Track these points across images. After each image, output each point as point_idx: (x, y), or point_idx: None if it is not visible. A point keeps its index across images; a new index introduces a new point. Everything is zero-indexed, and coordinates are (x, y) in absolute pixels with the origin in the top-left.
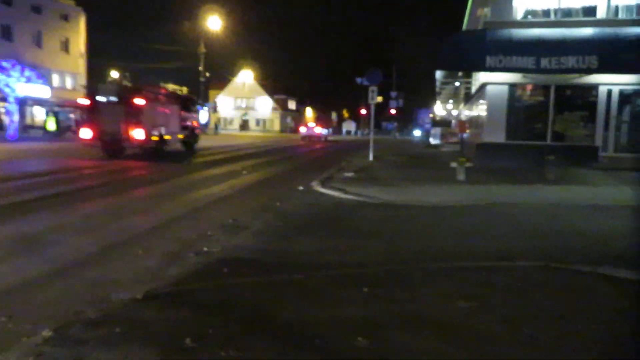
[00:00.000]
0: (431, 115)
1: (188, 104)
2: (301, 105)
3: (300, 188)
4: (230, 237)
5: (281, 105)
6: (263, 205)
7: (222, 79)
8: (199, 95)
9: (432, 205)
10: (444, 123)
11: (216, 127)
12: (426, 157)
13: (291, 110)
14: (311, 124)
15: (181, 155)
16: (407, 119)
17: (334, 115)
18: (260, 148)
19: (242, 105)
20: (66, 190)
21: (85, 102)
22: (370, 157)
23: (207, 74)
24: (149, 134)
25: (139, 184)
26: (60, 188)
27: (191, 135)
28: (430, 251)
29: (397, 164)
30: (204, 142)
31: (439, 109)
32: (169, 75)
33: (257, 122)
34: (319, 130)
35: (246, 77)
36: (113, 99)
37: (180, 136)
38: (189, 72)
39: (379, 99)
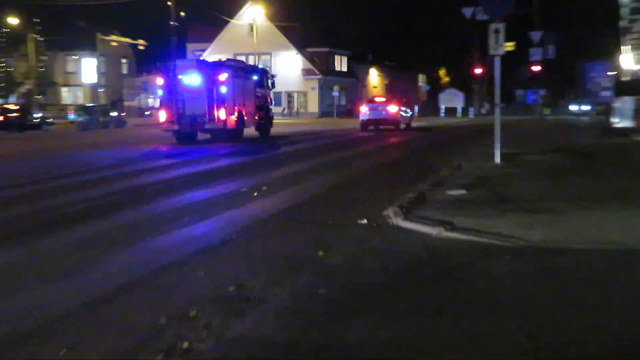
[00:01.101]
0: (612, 73)
1: (263, 78)
2: (359, 65)
3: (364, 221)
4: (230, 320)
5: (321, 66)
6: (293, 257)
7: (209, 23)
8: (166, 51)
9: (626, 249)
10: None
11: None
12: (605, 153)
13: (340, 75)
14: (379, 100)
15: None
16: (561, 82)
17: (421, 81)
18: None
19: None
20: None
21: (160, 81)
22: (497, 157)
23: (183, 13)
24: (232, 115)
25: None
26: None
27: (266, 117)
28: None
29: (548, 168)
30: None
31: (629, 62)
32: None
33: (276, 98)
34: (394, 109)
35: (255, 15)
36: (193, 76)
37: (256, 117)
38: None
39: (509, 45)
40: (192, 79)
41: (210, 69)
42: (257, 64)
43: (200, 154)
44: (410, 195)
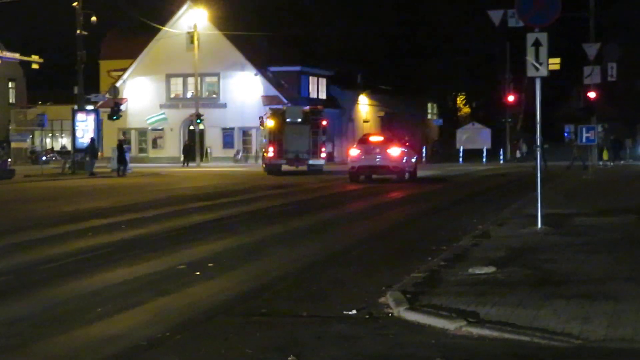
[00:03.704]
0: None
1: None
2: (343, 90)
3: (352, 312)
4: None
5: (290, 91)
6: None
7: (131, 33)
8: (75, 74)
9: None
10: None
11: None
12: None
13: (317, 104)
14: (375, 140)
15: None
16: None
17: (432, 113)
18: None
19: (185, 93)
20: None
21: (270, 122)
22: (538, 221)
23: (94, 19)
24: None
25: None
26: None
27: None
28: None
29: (611, 236)
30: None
31: None
32: None
33: (227, 137)
34: (396, 152)
35: (196, 21)
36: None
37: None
38: (43, 14)
39: (554, 63)
40: (298, 123)
41: (313, 115)
42: (199, 87)
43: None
44: (417, 275)
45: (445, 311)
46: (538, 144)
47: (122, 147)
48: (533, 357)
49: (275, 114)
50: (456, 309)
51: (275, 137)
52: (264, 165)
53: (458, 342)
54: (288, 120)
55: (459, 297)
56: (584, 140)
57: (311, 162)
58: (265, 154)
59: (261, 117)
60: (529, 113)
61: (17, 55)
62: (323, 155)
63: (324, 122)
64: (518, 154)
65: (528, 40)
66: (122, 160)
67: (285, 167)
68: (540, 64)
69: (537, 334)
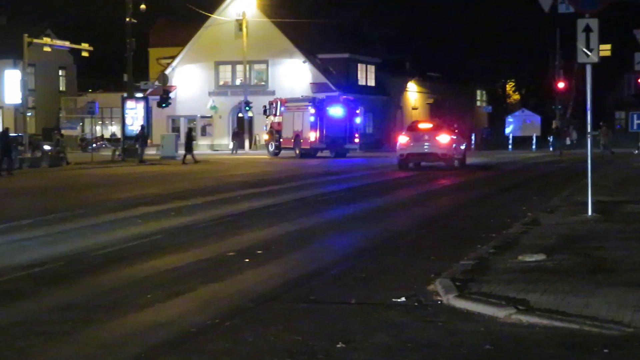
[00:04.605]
0: None
1: None
2: (392, 77)
3: (401, 299)
4: None
5: (338, 78)
6: (301, 353)
7: (180, 21)
8: (124, 62)
9: None
10: None
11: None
12: None
13: (366, 91)
14: (424, 127)
15: None
16: None
17: (481, 100)
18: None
19: (234, 81)
20: None
21: (312, 110)
22: (589, 208)
23: (143, 7)
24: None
25: None
26: None
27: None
28: None
29: None
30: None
31: None
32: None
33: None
34: (445, 140)
35: (244, 9)
36: (337, 108)
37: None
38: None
39: (605, 49)
40: (336, 111)
41: (348, 104)
42: (248, 74)
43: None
44: (466, 262)
45: (495, 299)
46: (589, 130)
47: (190, 136)
48: (583, 346)
49: (316, 102)
50: (506, 297)
51: (316, 124)
52: (297, 151)
53: (507, 330)
54: (327, 108)
55: (508, 285)
56: (635, 127)
57: (347, 146)
58: (266, 140)
59: (265, 106)
60: (579, 100)
61: (67, 44)
62: (357, 140)
63: (358, 111)
64: (568, 141)
65: (579, 27)
66: (189, 148)
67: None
68: (591, 50)
69: (588, 322)
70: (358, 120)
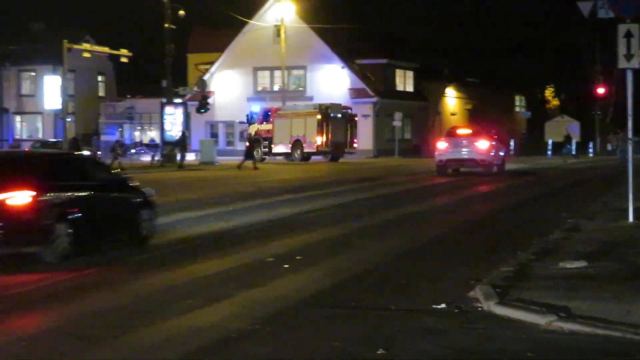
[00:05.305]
0: None
1: None
2: (430, 83)
3: (441, 306)
4: None
5: (377, 84)
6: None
7: (218, 27)
8: (163, 67)
9: None
10: None
11: (181, 152)
12: None
13: (404, 96)
14: (463, 133)
15: None
16: None
17: (519, 106)
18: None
19: (272, 86)
20: None
21: (319, 116)
22: (630, 214)
23: (182, 13)
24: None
25: None
26: None
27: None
28: None
29: None
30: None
31: None
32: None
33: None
34: (485, 145)
35: (282, 14)
36: (339, 114)
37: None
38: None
39: None
40: (338, 117)
41: (347, 112)
42: (286, 80)
43: None
44: (507, 269)
45: (536, 305)
46: (630, 136)
47: (252, 142)
48: (625, 353)
49: (322, 108)
50: (547, 304)
51: (322, 129)
52: (296, 155)
53: (548, 337)
54: (332, 115)
55: (549, 292)
56: None
57: (347, 150)
58: (250, 149)
59: (248, 115)
60: (620, 105)
61: (106, 49)
62: (355, 146)
63: (356, 119)
64: (609, 147)
65: (619, 32)
66: (250, 154)
67: (314, 157)
68: (632, 55)
69: (630, 330)
70: (355, 126)
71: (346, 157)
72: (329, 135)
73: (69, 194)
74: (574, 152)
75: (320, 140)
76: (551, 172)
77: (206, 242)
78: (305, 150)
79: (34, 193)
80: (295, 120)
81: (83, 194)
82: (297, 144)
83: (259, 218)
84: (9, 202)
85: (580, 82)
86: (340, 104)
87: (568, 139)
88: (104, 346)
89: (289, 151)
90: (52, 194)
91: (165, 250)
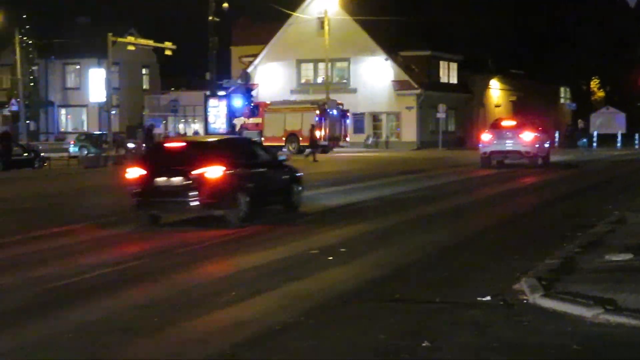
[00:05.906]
0: None
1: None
2: (474, 75)
3: (486, 298)
4: None
5: (420, 76)
6: (386, 352)
7: (261, 20)
8: (207, 60)
9: None
10: None
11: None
12: None
13: (448, 88)
14: (507, 125)
15: None
16: None
17: (564, 98)
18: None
19: (315, 79)
20: None
21: (318, 112)
22: None
23: (225, 5)
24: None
25: None
26: None
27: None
28: None
29: None
30: None
31: None
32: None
33: (357, 123)
34: (529, 137)
35: (326, 7)
36: (334, 110)
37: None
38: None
39: None
40: (333, 112)
41: (341, 107)
42: (330, 72)
43: None
44: (552, 261)
45: (582, 298)
46: None
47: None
48: None
49: (320, 104)
50: (593, 296)
51: (321, 123)
52: (290, 148)
53: (595, 330)
54: (328, 110)
55: (595, 284)
56: None
57: (342, 144)
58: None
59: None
60: None
61: (150, 42)
62: (348, 139)
63: (348, 114)
64: None
65: None
66: (314, 144)
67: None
68: None
69: None
70: (348, 121)
71: (342, 149)
72: (326, 129)
73: (247, 169)
74: (587, 145)
75: (318, 134)
76: (596, 165)
77: (248, 235)
78: (301, 144)
79: (224, 168)
80: (290, 115)
81: (256, 170)
82: (291, 137)
83: (301, 210)
84: (206, 175)
85: (626, 74)
86: (335, 100)
87: (584, 131)
88: (148, 338)
89: (282, 144)
90: (236, 170)
91: (209, 243)
